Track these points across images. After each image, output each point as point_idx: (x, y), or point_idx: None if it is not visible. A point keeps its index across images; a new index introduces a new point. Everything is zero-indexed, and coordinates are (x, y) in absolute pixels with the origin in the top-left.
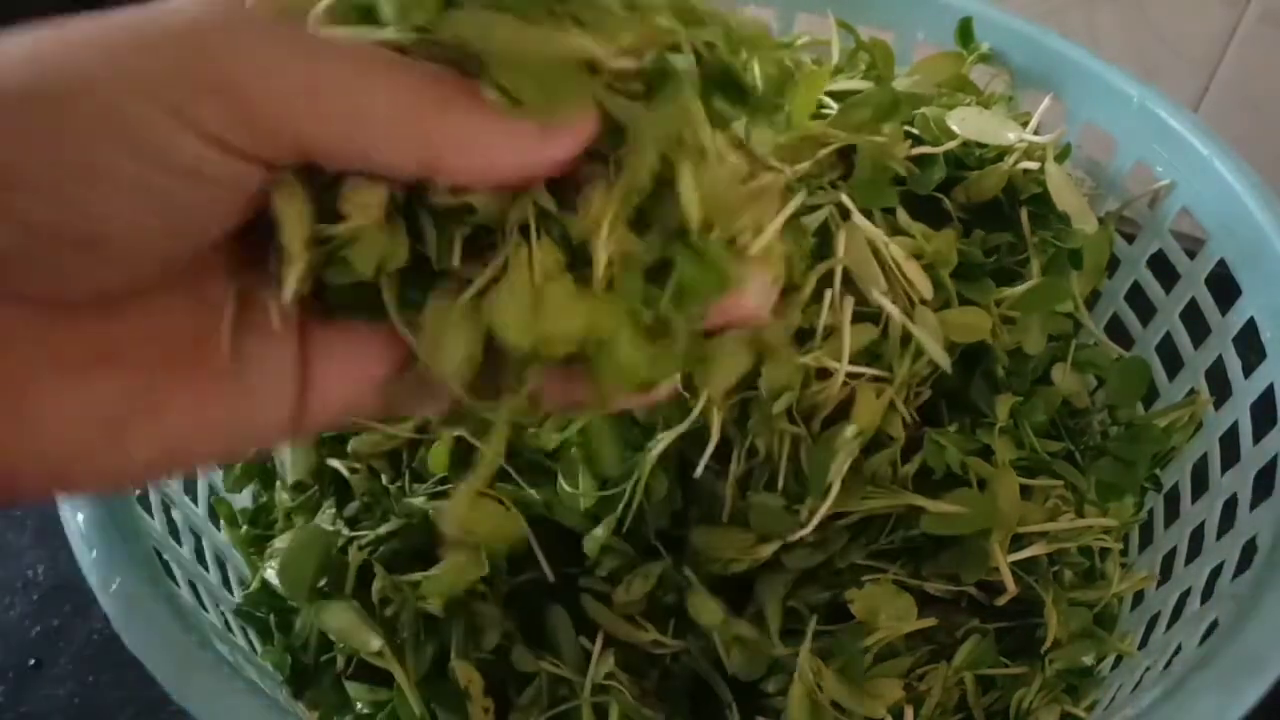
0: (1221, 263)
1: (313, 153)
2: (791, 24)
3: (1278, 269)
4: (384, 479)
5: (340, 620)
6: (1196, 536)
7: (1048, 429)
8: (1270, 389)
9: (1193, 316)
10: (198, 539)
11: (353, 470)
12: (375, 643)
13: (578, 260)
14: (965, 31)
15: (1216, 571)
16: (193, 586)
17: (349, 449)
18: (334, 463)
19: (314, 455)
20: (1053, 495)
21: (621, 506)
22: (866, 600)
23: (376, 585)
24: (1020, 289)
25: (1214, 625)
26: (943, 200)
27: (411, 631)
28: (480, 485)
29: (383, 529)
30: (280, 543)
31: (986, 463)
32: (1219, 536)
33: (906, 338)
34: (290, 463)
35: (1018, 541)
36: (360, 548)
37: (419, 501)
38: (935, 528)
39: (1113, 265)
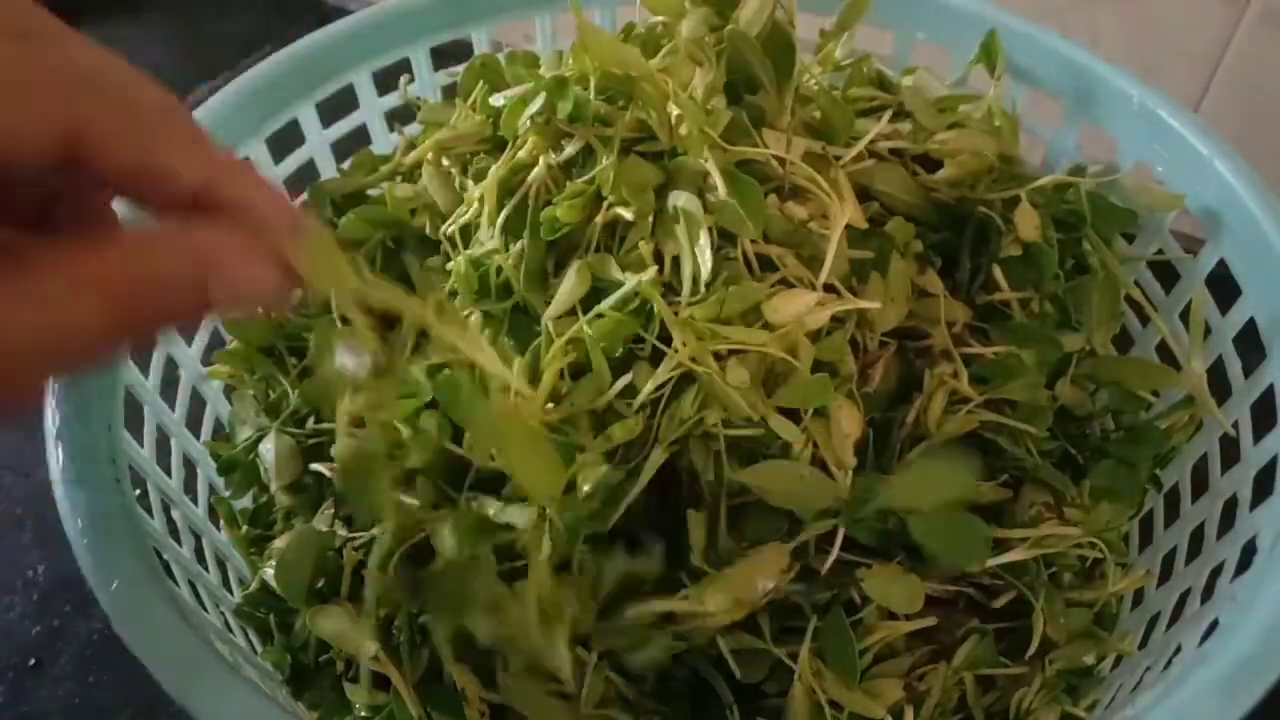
0: (1221, 263)
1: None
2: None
3: (1278, 269)
4: None
5: (335, 625)
6: (1196, 536)
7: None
8: (1270, 389)
9: None
10: (198, 539)
11: (336, 470)
12: (370, 648)
13: None
14: (990, 48)
15: (1216, 571)
16: (193, 586)
17: (332, 453)
18: (317, 467)
19: (299, 461)
20: (1037, 503)
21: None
22: (877, 580)
23: (371, 593)
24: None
25: (1214, 625)
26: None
27: (407, 635)
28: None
29: (375, 530)
30: (280, 543)
31: None
32: (1219, 536)
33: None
34: (275, 469)
35: (1000, 545)
36: (355, 549)
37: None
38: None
39: None
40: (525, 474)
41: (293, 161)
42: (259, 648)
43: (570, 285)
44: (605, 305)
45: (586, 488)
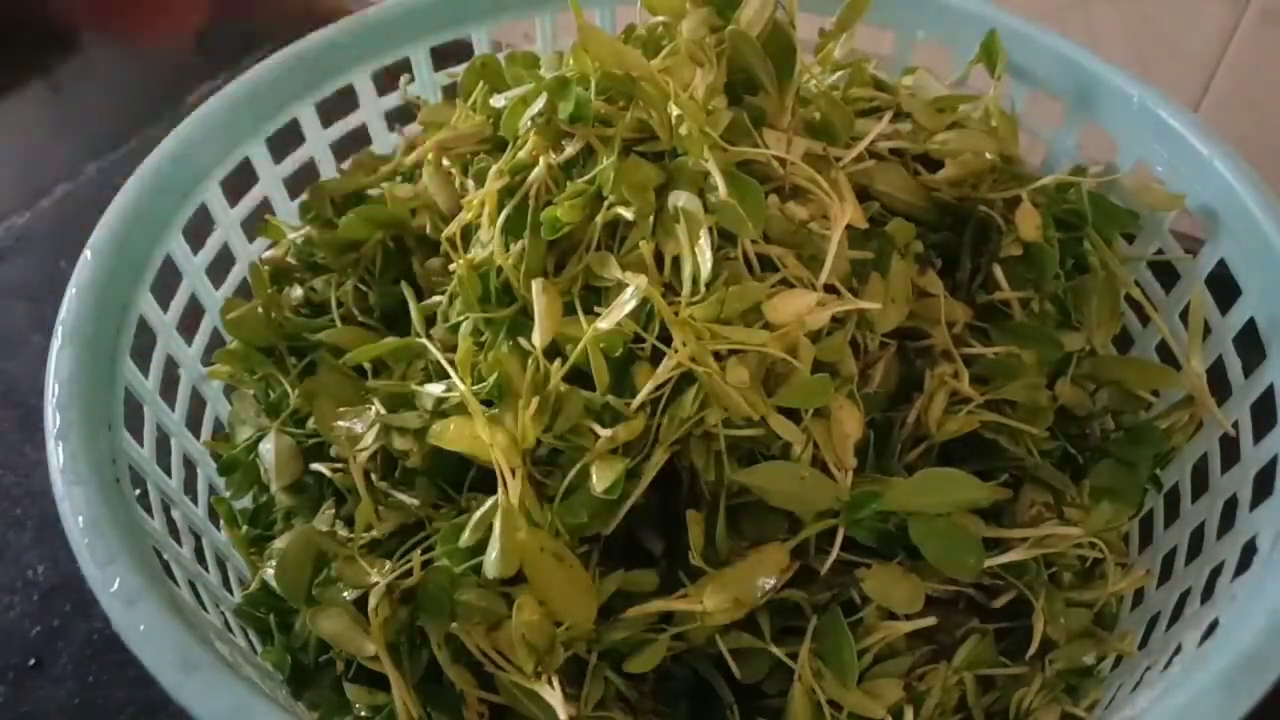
0: (1221, 263)
1: None
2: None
3: (1278, 269)
4: (373, 478)
5: (335, 625)
6: (1196, 536)
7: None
8: (1270, 389)
9: None
10: (198, 539)
11: (335, 470)
12: (370, 648)
13: None
14: (990, 48)
15: (1216, 571)
16: (193, 586)
17: (331, 453)
18: (317, 467)
19: (299, 461)
20: (1037, 503)
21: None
22: (877, 581)
23: (372, 602)
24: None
25: (1214, 625)
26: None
27: (406, 636)
28: None
29: (376, 531)
30: (280, 543)
31: None
32: (1219, 536)
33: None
34: (275, 469)
35: (1000, 545)
36: (359, 549)
37: (408, 500)
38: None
39: None
40: (555, 602)
41: (293, 161)
42: (259, 648)
43: (543, 306)
44: (605, 323)
45: (602, 486)
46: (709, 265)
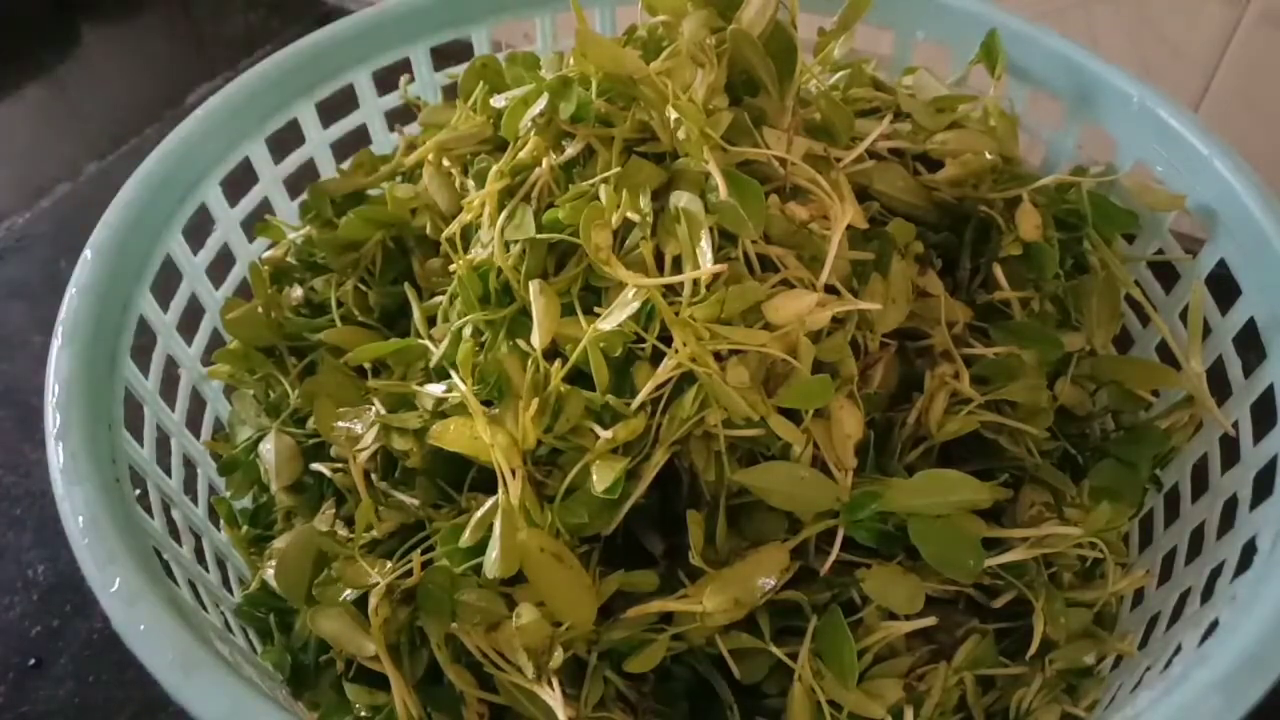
0: (1221, 263)
1: None
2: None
3: (1278, 269)
4: (374, 478)
5: (335, 625)
6: (1196, 536)
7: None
8: (1270, 389)
9: None
10: (198, 539)
11: (336, 470)
12: (370, 648)
13: None
14: (991, 48)
15: (1216, 571)
16: (193, 586)
17: (331, 453)
18: (317, 467)
19: (300, 461)
20: (1037, 503)
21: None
22: (877, 581)
23: (372, 602)
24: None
25: (1214, 625)
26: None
27: (406, 636)
28: None
29: (376, 531)
30: (280, 543)
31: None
32: (1219, 536)
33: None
34: (275, 470)
35: (1000, 545)
36: (359, 549)
37: (408, 500)
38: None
39: None
40: (555, 602)
41: (293, 161)
42: (259, 648)
43: (542, 307)
44: (607, 324)
45: (602, 486)
46: (710, 266)
